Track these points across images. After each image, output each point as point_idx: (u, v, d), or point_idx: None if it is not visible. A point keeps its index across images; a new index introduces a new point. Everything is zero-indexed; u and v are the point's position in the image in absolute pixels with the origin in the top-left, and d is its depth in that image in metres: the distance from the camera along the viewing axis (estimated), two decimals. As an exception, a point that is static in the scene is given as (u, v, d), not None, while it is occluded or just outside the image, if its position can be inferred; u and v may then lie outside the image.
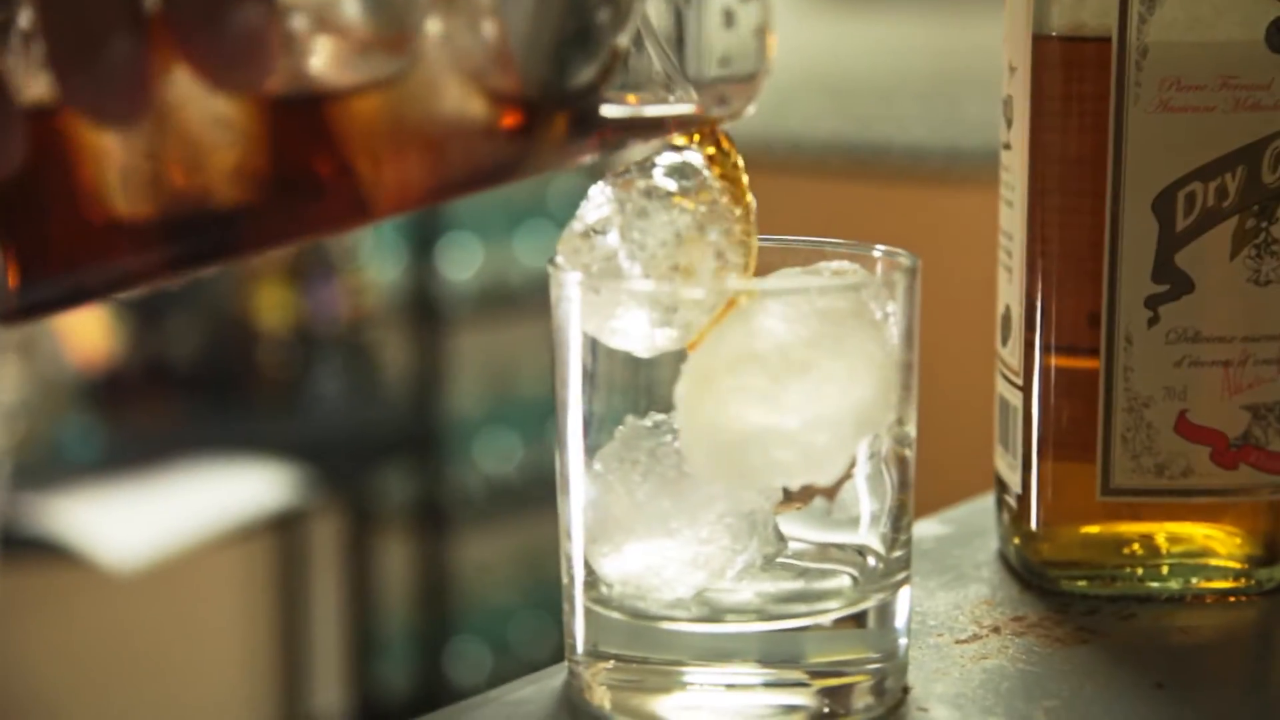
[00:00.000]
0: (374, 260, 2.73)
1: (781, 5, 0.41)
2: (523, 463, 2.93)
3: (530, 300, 2.90)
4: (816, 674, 0.42)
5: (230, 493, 2.37)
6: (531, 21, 0.37)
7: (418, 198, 0.39)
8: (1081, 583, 0.51)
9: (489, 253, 2.84)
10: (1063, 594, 0.51)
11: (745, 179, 0.44)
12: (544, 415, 2.98)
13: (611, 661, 0.43)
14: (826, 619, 0.42)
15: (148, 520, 2.26)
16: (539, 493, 2.95)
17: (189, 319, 2.53)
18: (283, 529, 2.54)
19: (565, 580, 0.45)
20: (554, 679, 0.45)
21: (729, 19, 0.41)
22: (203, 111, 0.34)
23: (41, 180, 0.34)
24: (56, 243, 0.34)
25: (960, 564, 0.53)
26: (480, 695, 0.44)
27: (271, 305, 2.61)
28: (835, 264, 0.45)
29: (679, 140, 0.43)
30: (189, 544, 2.22)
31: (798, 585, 0.42)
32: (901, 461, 0.43)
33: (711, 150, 0.44)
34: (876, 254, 0.45)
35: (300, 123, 0.36)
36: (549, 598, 3.01)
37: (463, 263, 2.80)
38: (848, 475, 0.42)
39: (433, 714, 0.43)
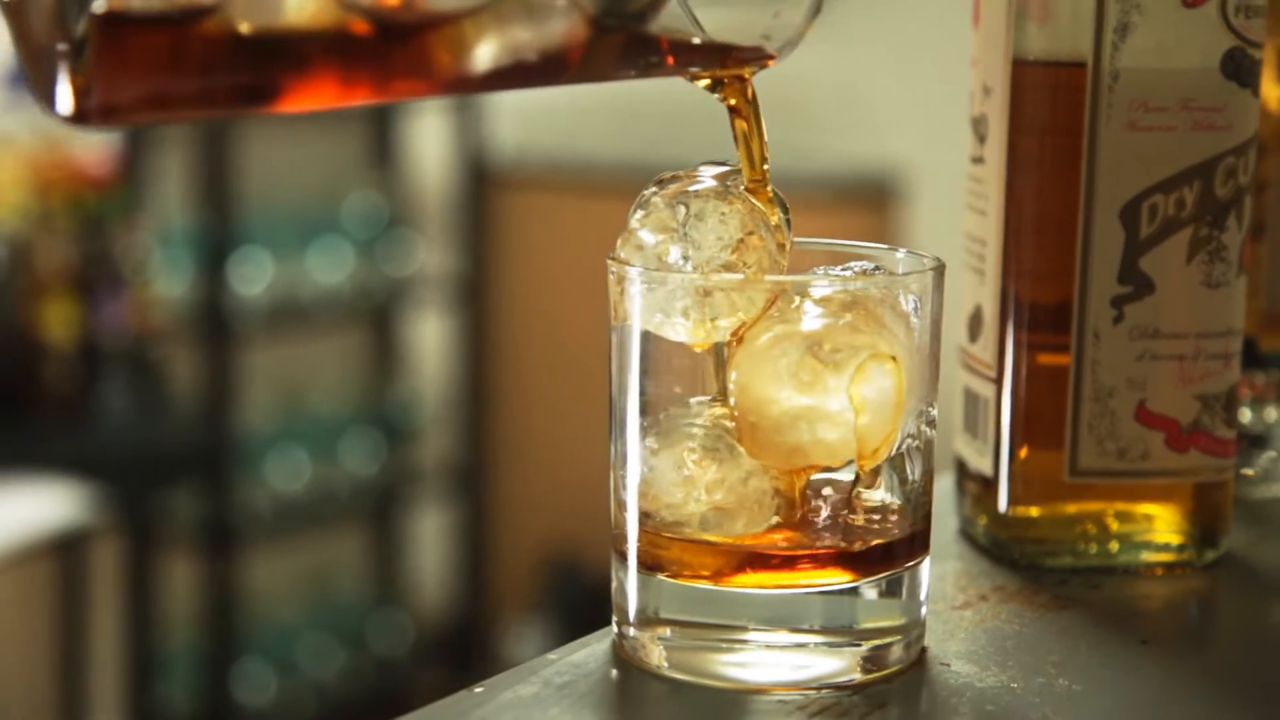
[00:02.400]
0: (162, 274, 2.69)
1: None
2: (312, 480, 2.91)
3: (322, 316, 2.89)
4: (865, 636, 0.46)
5: (11, 512, 2.31)
6: None
7: (472, 85, 0.41)
8: (1045, 558, 0.56)
9: (279, 268, 2.82)
10: (1029, 567, 0.56)
11: (768, 167, 0.48)
12: (335, 432, 2.97)
13: (667, 627, 0.46)
14: (876, 587, 0.46)
15: (-73, 539, 2.19)
16: (328, 511, 2.94)
17: (-30, 331, 2.46)
18: (65, 549, 2.48)
19: (618, 550, 0.48)
20: (602, 643, 0.48)
21: None
22: None
23: None
24: (141, 48, 0.36)
25: (930, 542, 0.58)
26: (540, 658, 0.47)
27: (56, 318, 2.55)
28: (862, 264, 0.49)
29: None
30: (-31, 564, 2.16)
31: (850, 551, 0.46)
32: (928, 443, 0.48)
33: (735, 101, 0.48)
34: (900, 255, 0.49)
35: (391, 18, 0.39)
36: (335, 618, 3.00)
37: (253, 278, 2.77)
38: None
39: (497, 676, 0.46)
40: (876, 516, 0.47)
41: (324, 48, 0.37)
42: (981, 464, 0.57)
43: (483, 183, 3.11)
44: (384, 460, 3.02)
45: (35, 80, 0.35)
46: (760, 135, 0.48)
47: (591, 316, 2.98)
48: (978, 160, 0.57)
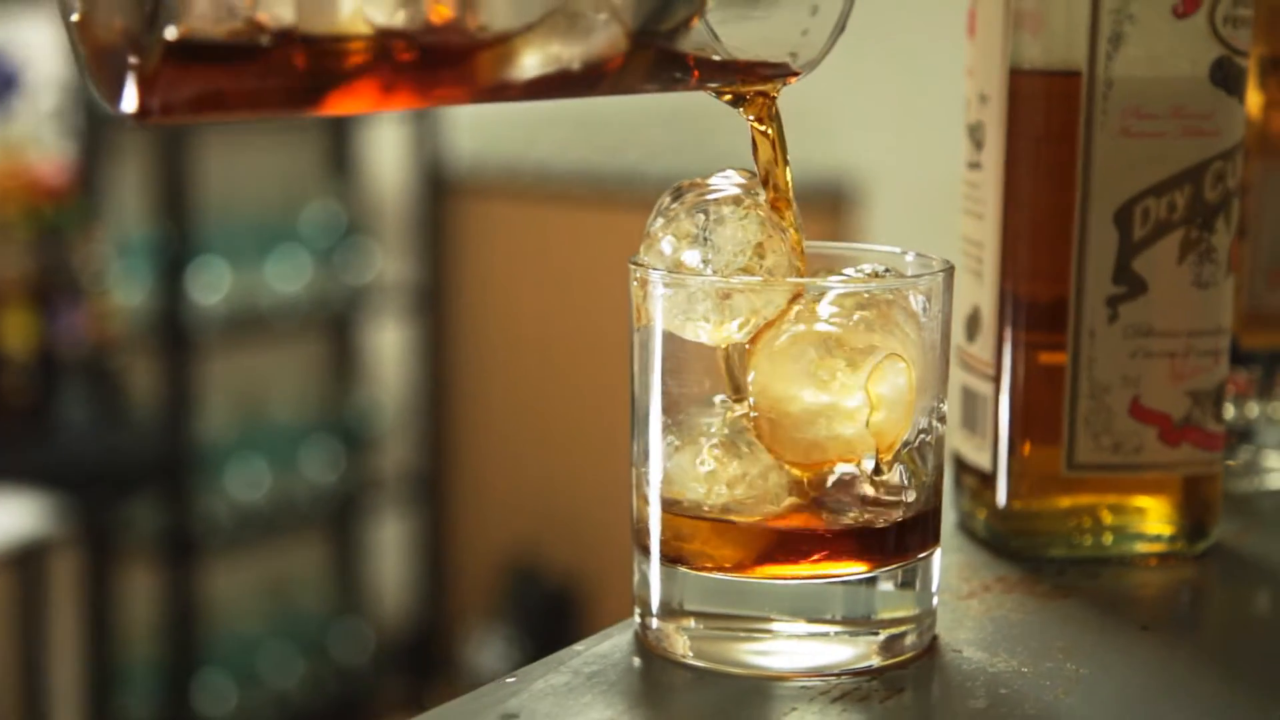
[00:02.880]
0: (120, 284, 2.68)
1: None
2: (272, 490, 2.91)
3: (281, 325, 2.90)
4: (882, 625, 0.48)
5: (-29, 523, 2.30)
6: None
7: (510, 94, 0.43)
8: (1043, 549, 0.58)
9: (238, 277, 2.82)
10: (1028, 559, 0.58)
11: (789, 179, 0.50)
12: (294, 441, 2.97)
13: (691, 618, 0.48)
14: (892, 578, 0.48)
15: (-114, 552, 2.18)
16: (288, 520, 2.94)
17: (-72, 343, 2.45)
18: (24, 560, 2.47)
19: (640, 544, 0.49)
20: (624, 634, 0.50)
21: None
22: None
23: None
24: (205, 66, 0.38)
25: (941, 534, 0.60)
26: (566, 650, 0.49)
27: (14, 329, 2.54)
28: (871, 266, 0.51)
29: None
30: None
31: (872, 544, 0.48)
32: (938, 438, 0.50)
33: (758, 116, 0.49)
34: (909, 257, 0.51)
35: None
36: (296, 627, 3.00)
37: (211, 287, 2.77)
38: (898, 449, 0.49)
39: (526, 667, 0.48)
40: (892, 500, 0.49)
41: (375, 65, 0.39)
42: (980, 459, 0.59)
43: (440, 191, 3.12)
44: (343, 469, 3.03)
45: (97, 80, 0.37)
46: (783, 150, 0.49)
47: (550, 323, 3.00)
48: (974, 166, 0.59)
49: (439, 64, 0.40)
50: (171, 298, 2.70)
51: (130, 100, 0.36)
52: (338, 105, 0.41)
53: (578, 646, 0.49)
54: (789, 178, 0.49)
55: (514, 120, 3.05)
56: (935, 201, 2.53)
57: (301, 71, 0.38)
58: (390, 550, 3.18)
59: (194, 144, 2.70)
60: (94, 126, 2.59)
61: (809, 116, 2.75)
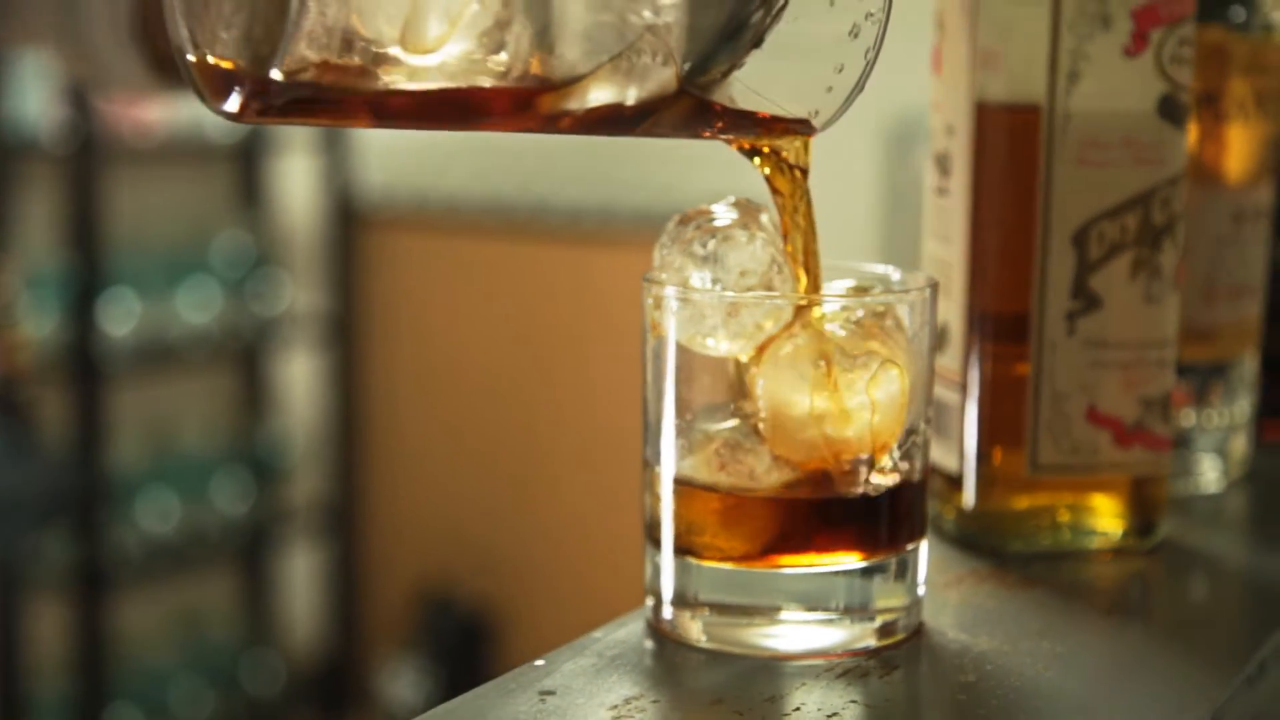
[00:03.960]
0: (30, 316, 2.67)
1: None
2: (182, 522, 2.90)
3: (191, 356, 2.90)
4: (880, 611, 0.53)
5: (-123, 557, 2.28)
6: (699, 16, 0.46)
7: (561, 128, 0.47)
8: (1007, 545, 0.63)
9: (148, 308, 2.82)
10: (994, 553, 0.63)
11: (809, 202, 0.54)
12: (205, 473, 2.97)
13: (705, 608, 0.52)
14: (886, 568, 0.53)
15: None
16: (198, 552, 2.94)
17: None
18: (-68, 595, 2.45)
19: (652, 539, 0.53)
20: (638, 622, 0.54)
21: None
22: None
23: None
24: (307, 95, 0.41)
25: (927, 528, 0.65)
26: (586, 636, 0.53)
27: (-78, 362, 2.52)
28: (861, 281, 0.56)
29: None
30: None
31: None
32: (925, 439, 0.54)
33: (770, 171, 0.53)
34: (895, 275, 0.56)
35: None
36: (207, 659, 2.99)
37: (121, 318, 2.77)
38: (890, 449, 0.53)
39: (553, 651, 0.51)
40: (885, 495, 0.53)
41: (451, 93, 0.43)
42: (948, 463, 0.64)
43: (350, 221, 3.14)
44: (254, 500, 3.03)
45: (202, 87, 0.41)
46: (796, 198, 0.53)
47: (460, 353, 3.03)
48: (942, 192, 0.64)
49: (509, 97, 0.44)
50: (81, 329, 2.70)
51: (232, 105, 0.40)
52: (410, 124, 0.45)
53: (596, 633, 0.53)
54: (816, 246, 0.53)
55: (424, 152, 3.09)
56: (842, 218, 2.59)
57: (384, 95, 0.42)
58: (301, 581, 3.18)
59: (103, 175, 2.70)
60: (0, 158, 2.58)
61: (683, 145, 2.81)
